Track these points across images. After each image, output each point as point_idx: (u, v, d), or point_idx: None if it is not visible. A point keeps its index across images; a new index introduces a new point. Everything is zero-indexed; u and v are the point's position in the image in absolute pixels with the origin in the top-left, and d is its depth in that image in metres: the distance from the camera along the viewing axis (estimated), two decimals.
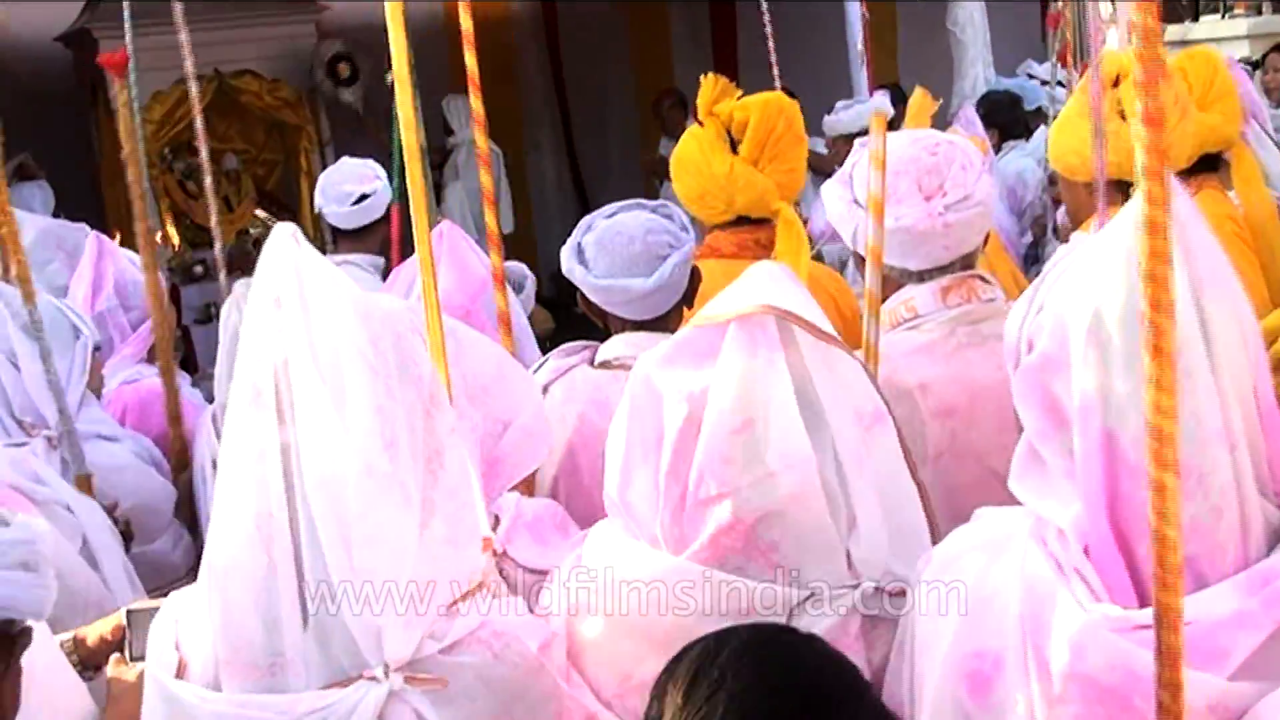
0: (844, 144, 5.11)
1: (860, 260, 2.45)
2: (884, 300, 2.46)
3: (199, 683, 1.58)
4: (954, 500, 2.21)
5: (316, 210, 4.71)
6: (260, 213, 7.57)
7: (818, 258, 5.50)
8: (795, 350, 1.75)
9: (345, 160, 4.73)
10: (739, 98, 3.32)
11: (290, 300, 1.53)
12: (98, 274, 3.75)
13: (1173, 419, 1.32)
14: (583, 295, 2.64)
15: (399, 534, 1.53)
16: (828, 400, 1.76)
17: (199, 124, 3.87)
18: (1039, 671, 1.47)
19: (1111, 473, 1.46)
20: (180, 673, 1.60)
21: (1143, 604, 1.45)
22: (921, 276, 2.40)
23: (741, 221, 3.18)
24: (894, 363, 2.34)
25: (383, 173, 4.48)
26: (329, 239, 7.90)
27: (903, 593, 1.74)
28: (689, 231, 2.67)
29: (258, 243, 7.92)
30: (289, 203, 8.00)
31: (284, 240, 1.57)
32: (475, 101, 2.74)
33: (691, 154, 3.26)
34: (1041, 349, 1.53)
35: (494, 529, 2.15)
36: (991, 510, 1.69)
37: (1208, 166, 3.70)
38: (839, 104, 5.88)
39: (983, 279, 2.42)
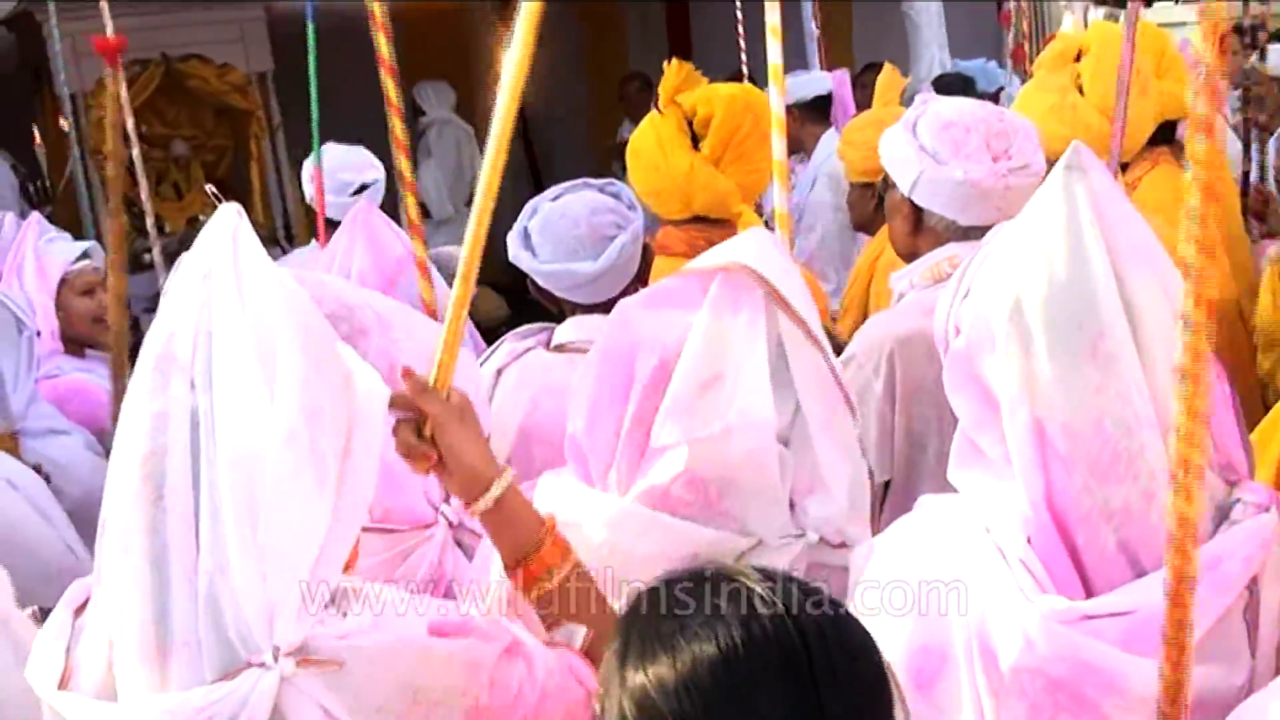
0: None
1: (912, 207, 2.50)
2: (917, 253, 2.54)
3: (89, 689, 1.47)
4: None
5: (308, 200, 4.58)
6: (210, 188, 7.48)
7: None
8: (775, 317, 1.75)
9: (333, 146, 4.55)
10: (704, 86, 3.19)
11: (223, 273, 1.47)
12: (19, 259, 3.66)
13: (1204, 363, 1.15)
14: (532, 281, 2.60)
15: (309, 511, 1.44)
16: (798, 370, 1.76)
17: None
18: (985, 665, 1.44)
19: (1045, 462, 1.43)
20: (64, 682, 1.48)
21: (1088, 594, 1.43)
22: (967, 234, 2.46)
23: (698, 220, 3.09)
24: None
25: (379, 161, 4.37)
26: (280, 229, 7.85)
27: (844, 545, 1.74)
28: (636, 210, 2.61)
29: None
30: (239, 190, 7.89)
31: (228, 217, 1.51)
32: (396, 125, 2.71)
33: (649, 147, 3.15)
34: (967, 335, 1.51)
35: (447, 500, 2.12)
36: (933, 498, 1.67)
37: (1163, 138, 3.72)
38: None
39: None
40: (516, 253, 2.58)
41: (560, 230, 2.55)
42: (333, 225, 4.33)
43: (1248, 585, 1.43)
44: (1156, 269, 1.44)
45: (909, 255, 2.60)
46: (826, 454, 1.77)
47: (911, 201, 2.50)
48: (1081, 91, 3.17)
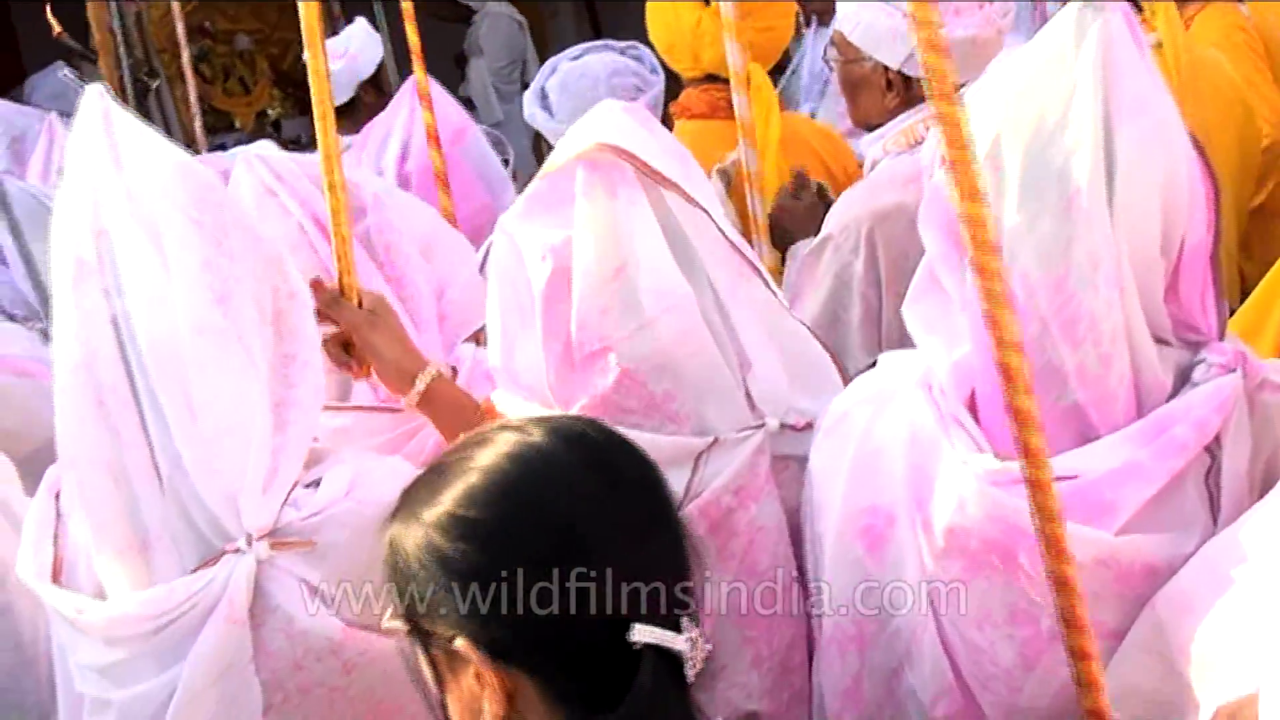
0: None
1: (901, 78, 2.39)
2: (888, 119, 2.46)
3: (83, 582, 1.53)
4: None
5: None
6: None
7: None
8: (655, 189, 1.65)
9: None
10: None
11: (103, 166, 1.47)
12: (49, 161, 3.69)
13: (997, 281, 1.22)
14: (547, 144, 2.58)
15: (243, 394, 1.47)
16: (696, 238, 1.67)
17: None
18: (924, 526, 1.44)
19: None
20: (56, 575, 1.54)
21: None
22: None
23: (712, 79, 2.99)
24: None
25: (365, 46, 4.32)
26: None
27: (809, 425, 1.68)
28: (658, 74, 2.56)
29: (277, 124, 7.89)
30: (305, 82, 7.90)
31: (94, 102, 1.50)
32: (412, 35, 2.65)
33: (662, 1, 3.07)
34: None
35: (454, 379, 2.12)
36: (893, 355, 1.64)
37: None
38: None
39: None
40: (532, 112, 2.57)
41: (579, 90, 2.56)
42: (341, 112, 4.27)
43: (1207, 449, 1.39)
44: (1156, 121, 1.38)
45: (875, 125, 2.51)
46: (746, 329, 1.68)
47: (901, 73, 2.40)
48: None
